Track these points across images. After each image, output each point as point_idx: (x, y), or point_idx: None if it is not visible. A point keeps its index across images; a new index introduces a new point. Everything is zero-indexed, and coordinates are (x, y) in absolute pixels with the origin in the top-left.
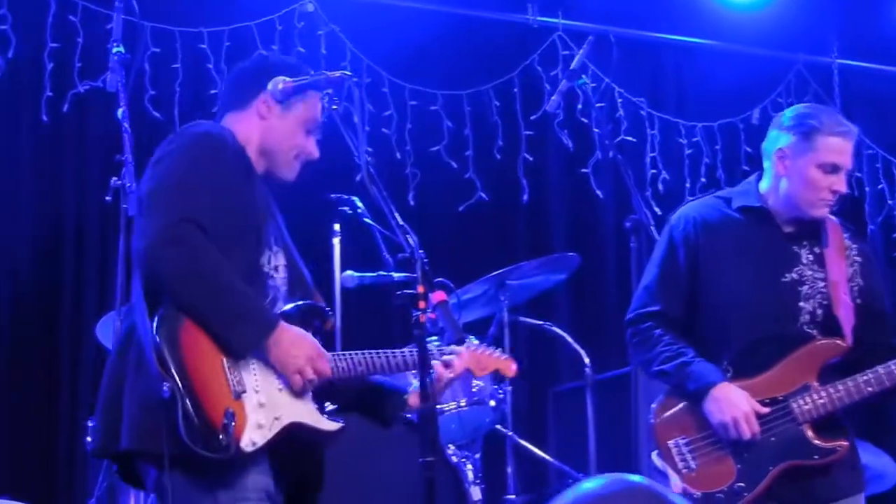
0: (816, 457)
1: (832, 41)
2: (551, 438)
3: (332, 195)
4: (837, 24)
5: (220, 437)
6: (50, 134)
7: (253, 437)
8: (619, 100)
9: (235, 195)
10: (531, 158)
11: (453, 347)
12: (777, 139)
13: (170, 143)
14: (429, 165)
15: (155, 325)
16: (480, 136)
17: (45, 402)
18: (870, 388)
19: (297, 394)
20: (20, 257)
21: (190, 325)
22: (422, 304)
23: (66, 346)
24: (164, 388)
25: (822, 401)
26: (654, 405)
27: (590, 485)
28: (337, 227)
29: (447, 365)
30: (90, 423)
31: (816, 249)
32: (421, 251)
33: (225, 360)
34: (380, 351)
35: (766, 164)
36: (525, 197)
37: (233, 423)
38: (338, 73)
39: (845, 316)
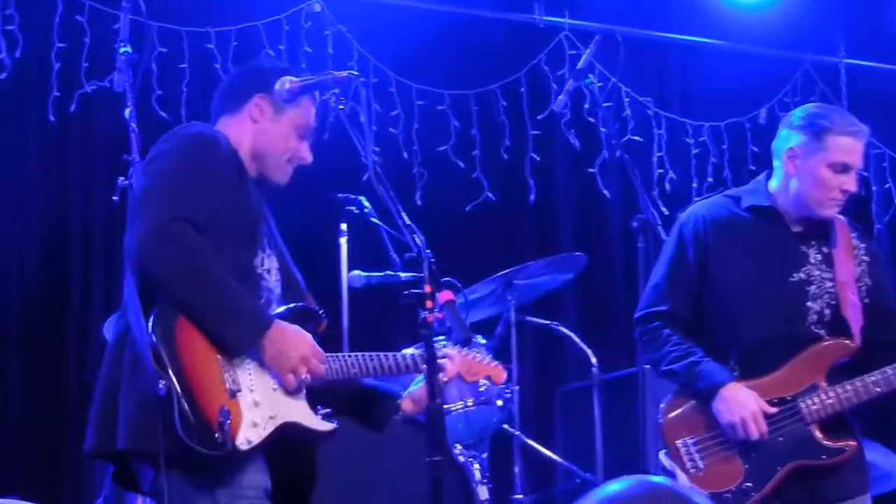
0: (825, 457)
1: (839, 41)
2: (558, 438)
3: (340, 195)
4: (844, 23)
5: (216, 435)
6: (57, 134)
7: (248, 435)
8: (626, 99)
9: (228, 196)
10: (538, 158)
11: (445, 351)
12: (788, 138)
13: (162, 143)
14: (436, 165)
15: (150, 323)
16: (487, 135)
17: (52, 401)
18: (878, 389)
19: (292, 394)
20: (27, 257)
21: (185, 323)
22: (429, 304)
23: (74, 345)
24: (160, 385)
25: (830, 401)
26: (662, 405)
27: (613, 487)
28: (344, 226)
29: (439, 369)
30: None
31: (825, 249)
32: (428, 251)
33: (220, 358)
34: (373, 354)
35: (776, 163)
36: (532, 196)
37: (228, 421)
38: (345, 73)
39: (853, 316)
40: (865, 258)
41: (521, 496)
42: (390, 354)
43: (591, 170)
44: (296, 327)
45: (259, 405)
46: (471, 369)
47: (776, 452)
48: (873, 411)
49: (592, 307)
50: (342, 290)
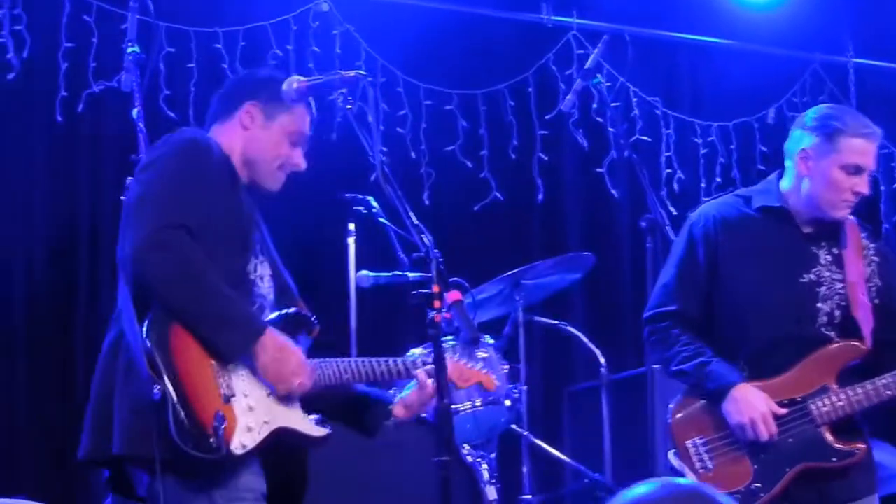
0: (835, 459)
1: (848, 40)
2: (567, 438)
3: (347, 195)
4: (853, 23)
5: (211, 440)
6: (65, 134)
7: (243, 440)
8: (635, 99)
9: (221, 202)
10: (546, 158)
11: None
12: (800, 139)
13: (155, 149)
14: (444, 165)
15: (145, 329)
16: (495, 135)
17: (59, 402)
18: (889, 392)
19: (285, 400)
20: (35, 257)
21: (179, 329)
22: (437, 304)
23: (81, 345)
24: (155, 390)
25: (840, 403)
26: (671, 405)
27: (638, 490)
28: (352, 226)
29: (431, 374)
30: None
31: (835, 250)
32: (436, 251)
33: (214, 364)
34: (366, 359)
35: (787, 164)
36: (540, 196)
37: (223, 426)
38: (352, 73)
39: (864, 317)
40: (875, 258)
41: (529, 496)
42: (382, 360)
43: (599, 170)
44: (287, 338)
45: (253, 410)
46: (462, 375)
47: (785, 454)
48: (882, 411)
49: (600, 307)
50: (350, 291)
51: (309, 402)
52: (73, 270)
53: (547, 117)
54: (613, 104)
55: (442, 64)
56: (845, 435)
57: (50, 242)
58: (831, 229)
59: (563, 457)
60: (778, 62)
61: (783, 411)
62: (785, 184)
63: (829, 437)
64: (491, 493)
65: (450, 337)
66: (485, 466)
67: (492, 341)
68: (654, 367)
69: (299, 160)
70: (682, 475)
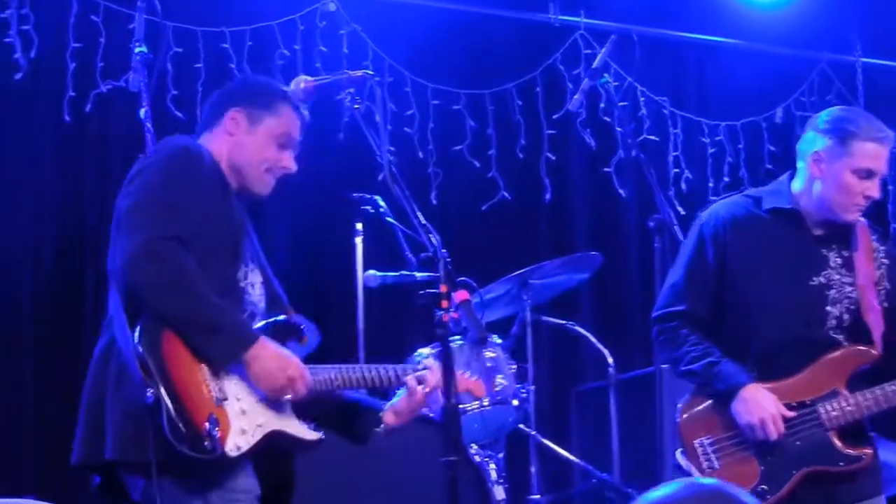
0: (842, 464)
1: (856, 39)
2: (575, 438)
3: (355, 194)
4: (861, 22)
5: (206, 442)
6: (72, 134)
7: (237, 442)
8: (642, 98)
9: (213, 209)
10: (554, 157)
11: (426, 363)
12: (813, 141)
13: (147, 156)
14: (451, 165)
15: (136, 334)
16: (503, 135)
17: (67, 402)
18: None
19: (277, 404)
20: (43, 257)
21: (171, 335)
22: (444, 304)
23: (88, 345)
24: (148, 393)
25: (850, 408)
26: (679, 404)
27: (661, 491)
28: (359, 226)
29: (420, 381)
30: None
31: (845, 253)
32: (443, 250)
33: (205, 368)
34: (356, 366)
35: (800, 165)
36: (548, 196)
37: (217, 428)
38: (360, 73)
39: (875, 322)
40: (885, 261)
41: (537, 496)
42: (373, 367)
43: (606, 169)
44: (282, 347)
45: (246, 413)
46: None
47: (793, 456)
48: (890, 412)
49: (608, 307)
50: (357, 290)
51: (299, 410)
52: (80, 270)
53: (554, 117)
54: (621, 104)
55: (449, 63)
56: (853, 440)
57: (57, 242)
58: (842, 231)
59: (571, 457)
60: (786, 61)
61: (792, 414)
62: (796, 185)
63: (836, 441)
64: (499, 492)
65: (457, 337)
66: (493, 466)
67: (500, 341)
68: (663, 366)
69: (289, 163)
70: (688, 474)
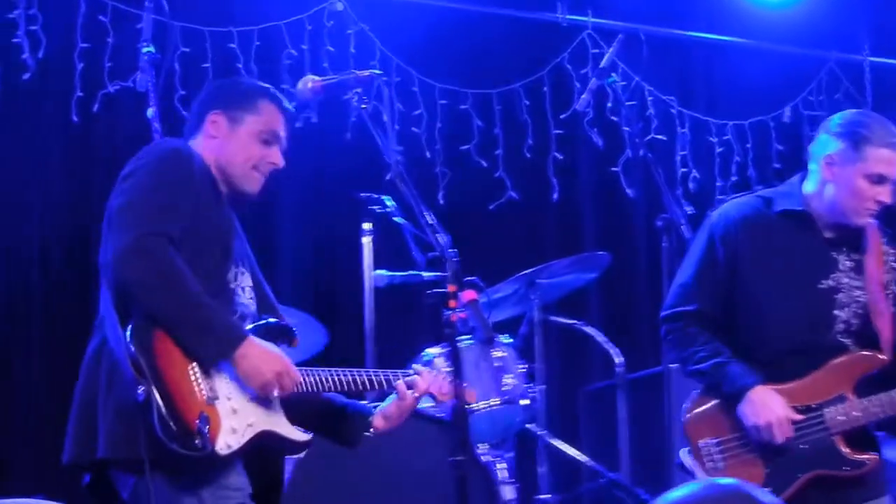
0: (847, 468)
1: (864, 38)
2: (583, 438)
3: (363, 194)
4: (869, 21)
5: (196, 440)
6: (80, 134)
7: (228, 440)
8: (649, 98)
9: (203, 211)
10: (561, 157)
11: (416, 367)
12: (826, 144)
13: (139, 158)
14: (459, 164)
15: (128, 333)
16: (510, 134)
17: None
18: None
19: (268, 404)
20: (50, 257)
21: (162, 334)
22: (452, 304)
23: None
24: (139, 391)
25: (856, 413)
26: (686, 404)
27: (681, 491)
28: (367, 226)
29: (410, 386)
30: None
31: (855, 256)
32: (451, 250)
33: (196, 367)
34: (347, 370)
35: (812, 167)
36: (555, 195)
37: (207, 427)
38: (367, 73)
39: (883, 326)
40: (895, 264)
41: (546, 496)
42: (363, 371)
43: (614, 169)
44: (270, 344)
45: (237, 412)
46: (442, 389)
47: (798, 459)
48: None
49: (616, 306)
50: (365, 290)
51: (288, 413)
52: (88, 270)
53: (562, 116)
54: (628, 103)
55: (457, 63)
56: (858, 444)
57: (65, 242)
58: (853, 234)
59: (579, 456)
60: (794, 60)
61: (799, 417)
62: (808, 187)
63: (842, 446)
64: (508, 492)
65: (465, 336)
66: (502, 466)
67: (508, 341)
68: (671, 366)
69: (276, 158)
70: (691, 473)
